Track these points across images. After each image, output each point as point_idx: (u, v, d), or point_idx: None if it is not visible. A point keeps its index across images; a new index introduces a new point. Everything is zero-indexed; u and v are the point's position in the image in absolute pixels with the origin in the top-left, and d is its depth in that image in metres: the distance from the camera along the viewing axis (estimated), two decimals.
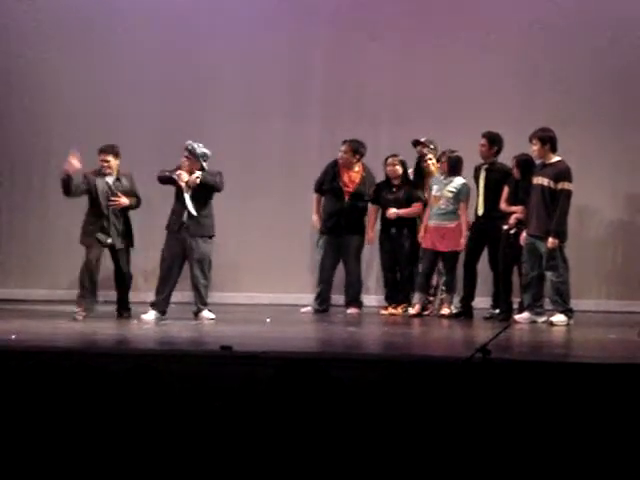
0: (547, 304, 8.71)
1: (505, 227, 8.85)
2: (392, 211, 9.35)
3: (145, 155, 9.84)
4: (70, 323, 8.42)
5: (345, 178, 9.49)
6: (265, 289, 10.34)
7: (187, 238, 8.69)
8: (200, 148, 8.79)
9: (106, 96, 10.50)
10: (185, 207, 8.70)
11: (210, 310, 8.77)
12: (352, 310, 9.46)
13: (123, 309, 8.90)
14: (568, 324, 8.45)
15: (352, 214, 9.47)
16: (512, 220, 8.79)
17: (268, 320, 8.70)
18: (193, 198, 8.72)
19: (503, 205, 8.94)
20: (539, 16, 10.07)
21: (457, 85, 10.11)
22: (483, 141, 9.19)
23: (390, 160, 9.48)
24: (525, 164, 8.81)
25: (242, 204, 10.14)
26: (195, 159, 8.76)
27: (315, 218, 9.63)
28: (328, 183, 9.51)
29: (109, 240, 8.76)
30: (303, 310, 9.49)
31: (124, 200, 8.78)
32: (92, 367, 3.50)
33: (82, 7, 10.67)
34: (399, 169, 9.46)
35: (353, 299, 9.53)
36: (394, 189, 9.49)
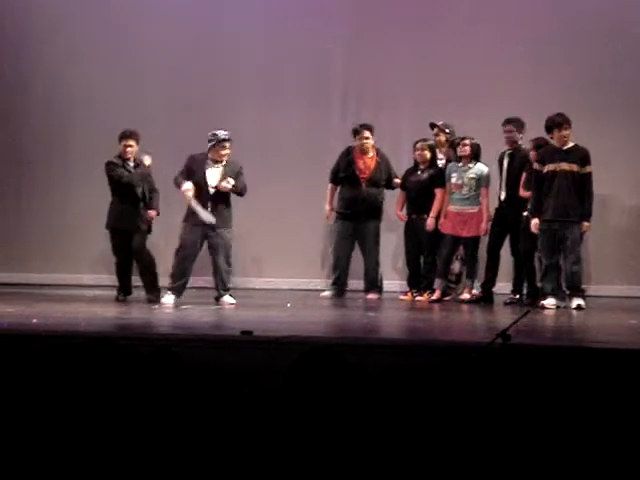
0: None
1: (525, 213, 8.83)
2: (429, 223, 9.30)
3: (163, 142, 9.84)
4: (92, 307, 8.48)
5: (360, 165, 9.48)
6: (285, 274, 10.38)
7: (208, 230, 8.72)
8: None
9: (124, 83, 10.57)
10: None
11: (231, 295, 8.80)
12: (372, 295, 9.46)
13: (148, 293, 8.94)
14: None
15: (369, 200, 9.45)
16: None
17: (289, 305, 8.73)
18: (216, 195, 8.71)
19: (521, 191, 8.93)
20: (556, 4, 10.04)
21: (476, 71, 10.11)
22: (509, 127, 9.16)
23: (419, 145, 9.46)
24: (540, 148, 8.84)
25: (263, 190, 10.14)
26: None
27: (328, 208, 9.62)
28: (343, 171, 9.50)
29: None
30: (322, 294, 9.52)
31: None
32: (119, 348, 3.52)
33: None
34: (427, 154, 9.44)
35: (373, 285, 9.53)
36: (418, 172, 9.48)
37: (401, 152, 9.81)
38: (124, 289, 9.00)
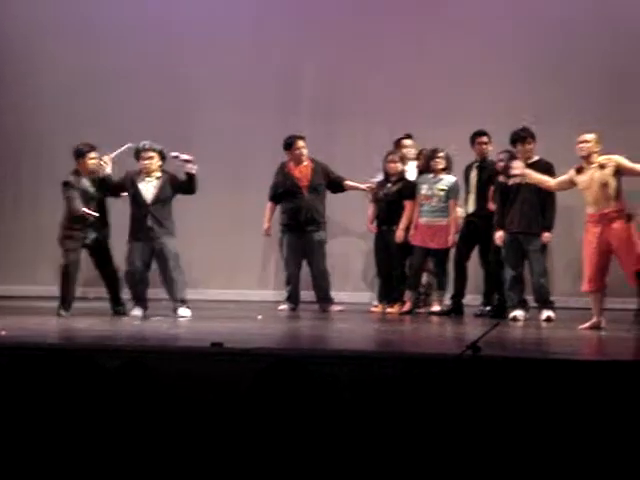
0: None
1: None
2: (399, 235, 9.32)
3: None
4: (60, 319, 8.43)
5: (297, 174, 9.52)
6: (241, 285, 10.44)
7: (154, 241, 8.59)
8: (157, 145, 8.71)
9: (97, 90, 10.56)
10: (147, 213, 8.57)
11: (188, 307, 8.71)
12: (334, 307, 9.46)
13: (117, 305, 8.90)
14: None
15: (312, 208, 9.46)
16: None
17: (259, 317, 8.71)
18: (158, 201, 8.62)
19: (490, 204, 9.01)
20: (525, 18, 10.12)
21: (446, 84, 10.18)
22: (484, 138, 9.23)
23: (390, 157, 9.48)
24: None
25: (221, 199, 10.18)
26: (162, 159, 8.71)
27: (266, 226, 9.64)
28: (282, 185, 9.53)
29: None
30: (280, 307, 9.52)
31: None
32: (84, 361, 3.50)
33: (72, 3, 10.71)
34: (399, 165, 9.46)
35: (325, 295, 9.53)
36: (389, 184, 9.50)
37: (375, 163, 9.82)
38: (68, 302, 8.81)
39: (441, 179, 9.28)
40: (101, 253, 8.83)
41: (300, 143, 9.50)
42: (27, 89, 10.79)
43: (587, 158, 7.94)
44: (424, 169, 9.38)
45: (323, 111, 10.51)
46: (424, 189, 9.31)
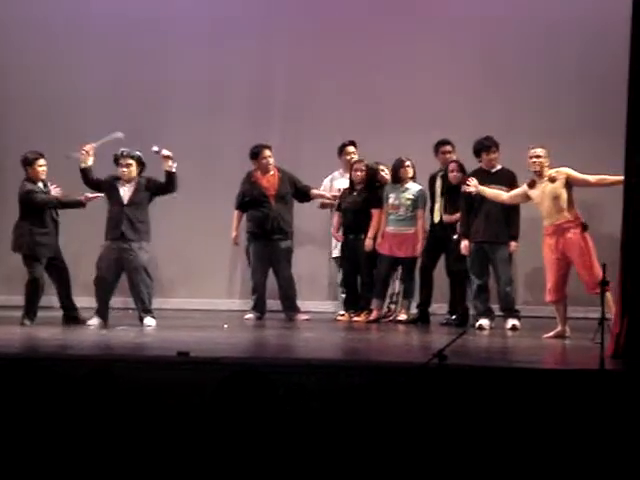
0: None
1: (455, 236, 8.96)
2: (367, 243, 9.34)
3: (106, 158, 9.75)
4: (24, 329, 8.37)
5: (264, 183, 9.53)
6: (208, 294, 10.41)
7: (124, 246, 8.57)
8: (136, 152, 8.71)
9: (64, 95, 10.48)
10: (122, 214, 8.59)
11: (153, 316, 8.67)
12: (301, 316, 9.46)
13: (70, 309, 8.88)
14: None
15: (279, 218, 9.47)
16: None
17: (226, 326, 8.69)
18: (133, 203, 8.62)
19: (445, 217, 9.07)
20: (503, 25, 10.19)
21: (410, 91, 10.19)
22: (448, 147, 9.28)
23: (356, 165, 9.50)
24: (463, 170, 8.98)
25: (187, 207, 10.16)
26: (141, 165, 8.71)
27: (234, 234, 9.64)
28: (249, 195, 9.53)
29: None
30: (246, 317, 9.50)
31: None
32: (50, 372, 3.48)
33: (40, 9, 10.65)
34: (363, 174, 9.47)
35: (292, 304, 9.54)
36: (354, 193, 9.52)
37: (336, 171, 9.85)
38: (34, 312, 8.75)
39: (408, 188, 9.31)
40: (57, 257, 8.81)
41: (266, 152, 9.50)
42: None
43: (539, 172, 8.07)
44: (392, 179, 9.40)
45: (293, 117, 10.50)
46: (391, 198, 9.33)
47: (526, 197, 8.26)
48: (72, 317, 8.85)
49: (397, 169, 9.33)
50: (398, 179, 9.32)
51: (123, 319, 8.80)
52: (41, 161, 8.79)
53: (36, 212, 8.76)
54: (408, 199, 9.28)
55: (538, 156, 8.09)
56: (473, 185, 8.50)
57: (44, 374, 3.50)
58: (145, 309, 8.63)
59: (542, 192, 8.06)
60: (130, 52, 10.54)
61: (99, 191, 8.80)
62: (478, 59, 10.21)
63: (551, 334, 7.96)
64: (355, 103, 10.32)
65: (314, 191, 9.67)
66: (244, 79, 10.52)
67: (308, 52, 10.48)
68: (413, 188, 9.32)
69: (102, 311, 8.66)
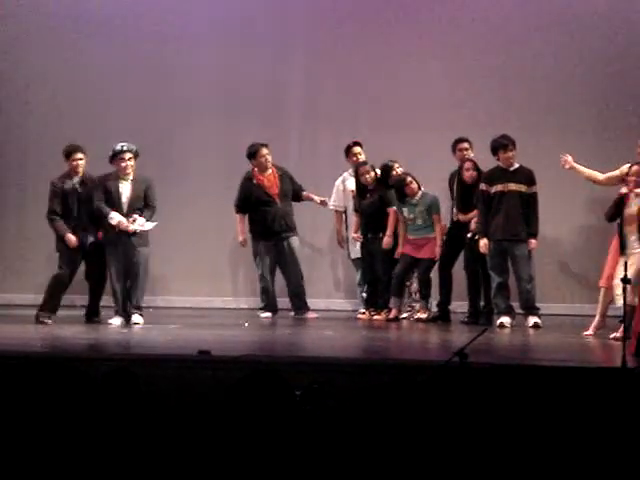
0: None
1: (469, 235, 8.93)
2: (386, 241, 9.35)
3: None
4: (47, 327, 8.41)
5: (266, 182, 9.53)
6: (215, 293, 10.43)
7: (130, 249, 8.63)
8: (133, 146, 8.73)
9: (72, 100, 10.52)
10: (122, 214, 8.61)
11: (141, 314, 8.72)
12: (309, 314, 9.47)
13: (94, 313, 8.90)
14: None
15: (285, 216, 9.49)
16: (474, 225, 8.87)
17: (246, 324, 8.71)
18: (132, 210, 8.65)
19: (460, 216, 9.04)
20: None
21: (418, 91, 10.20)
22: (466, 144, 9.26)
23: (361, 169, 9.49)
24: (478, 169, 8.97)
25: (206, 206, 10.20)
26: (135, 159, 8.74)
27: (241, 238, 9.63)
28: (254, 196, 9.51)
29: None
30: (263, 315, 9.51)
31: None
32: (73, 370, 3.49)
33: (49, 8, 10.70)
34: (371, 175, 9.46)
35: (301, 302, 9.54)
36: (368, 195, 9.52)
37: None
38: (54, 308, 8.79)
39: (418, 201, 9.27)
40: (97, 258, 8.80)
41: (264, 151, 9.50)
42: (9, 91, 10.75)
43: None
44: (398, 197, 9.36)
45: (308, 117, 10.51)
46: (405, 212, 9.32)
47: (621, 180, 8.03)
48: (93, 316, 8.87)
49: (400, 188, 9.29)
50: (404, 196, 9.29)
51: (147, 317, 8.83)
52: (78, 155, 8.75)
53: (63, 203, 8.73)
54: (421, 211, 9.28)
55: None
56: (568, 161, 8.43)
57: (65, 373, 3.51)
58: (136, 306, 8.71)
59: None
60: (146, 59, 10.55)
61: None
62: (499, 58, 10.18)
63: (590, 331, 7.89)
64: (369, 103, 10.34)
65: (305, 193, 9.70)
66: (259, 80, 10.51)
67: (323, 52, 10.48)
68: (424, 199, 9.27)
69: (121, 309, 8.74)
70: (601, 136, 9.87)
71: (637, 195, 7.69)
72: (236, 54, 10.49)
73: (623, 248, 7.62)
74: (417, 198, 9.25)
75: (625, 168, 8.01)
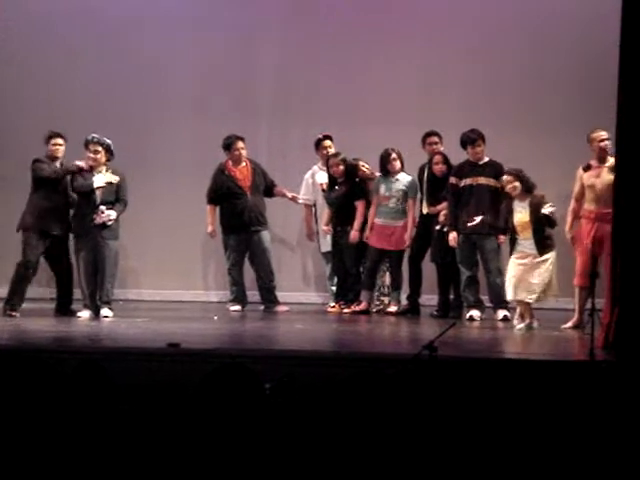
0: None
1: (437, 227, 8.96)
2: (353, 235, 9.34)
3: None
4: (14, 320, 8.35)
5: (239, 175, 9.53)
6: (186, 286, 10.37)
7: (99, 242, 8.59)
8: (106, 140, 8.70)
9: (51, 96, 10.43)
10: (94, 211, 8.57)
11: (110, 308, 8.69)
12: (280, 307, 9.46)
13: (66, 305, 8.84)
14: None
15: (255, 209, 9.48)
16: (443, 218, 8.90)
17: (215, 318, 8.69)
18: (104, 203, 8.63)
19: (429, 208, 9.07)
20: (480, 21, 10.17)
21: (394, 83, 10.17)
22: (436, 138, 9.28)
23: (331, 161, 9.49)
24: (448, 162, 9.00)
25: (178, 200, 10.16)
26: (109, 154, 8.70)
27: (210, 229, 9.61)
28: (226, 188, 9.50)
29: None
30: (232, 308, 9.49)
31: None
32: (41, 363, 3.47)
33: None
34: (341, 168, 9.47)
35: (270, 296, 9.52)
36: (336, 187, 9.52)
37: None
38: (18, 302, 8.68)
39: (398, 179, 9.30)
40: (59, 248, 8.75)
41: (240, 144, 9.49)
42: None
43: (603, 157, 7.94)
44: (381, 171, 9.39)
45: (279, 110, 10.49)
46: (382, 189, 9.32)
47: (582, 186, 8.09)
48: (64, 309, 8.81)
49: (384, 162, 9.32)
50: (387, 172, 9.31)
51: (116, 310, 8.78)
52: (54, 140, 8.71)
53: (44, 185, 8.66)
54: (399, 190, 9.27)
55: (608, 138, 7.86)
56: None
57: (34, 366, 3.49)
58: (106, 300, 8.67)
59: (598, 176, 7.93)
60: (118, 51, 10.47)
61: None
62: (472, 53, 10.19)
63: (569, 324, 7.96)
64: (341, 96, 10.29)
65: (278, 189, 9.70)
66: (229, 74, 10.46)
67: (295, 46, 10.45)
68: (404, 179, 9.31)
69: (90, 302, 8.70)
70: (575, 133, 9.90)
71: (521, 200, 7.94)
72: (206, 48, 10.44)
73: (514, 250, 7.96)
74: (398, 176, 9.26)
75: (580, 171, 8.12)
